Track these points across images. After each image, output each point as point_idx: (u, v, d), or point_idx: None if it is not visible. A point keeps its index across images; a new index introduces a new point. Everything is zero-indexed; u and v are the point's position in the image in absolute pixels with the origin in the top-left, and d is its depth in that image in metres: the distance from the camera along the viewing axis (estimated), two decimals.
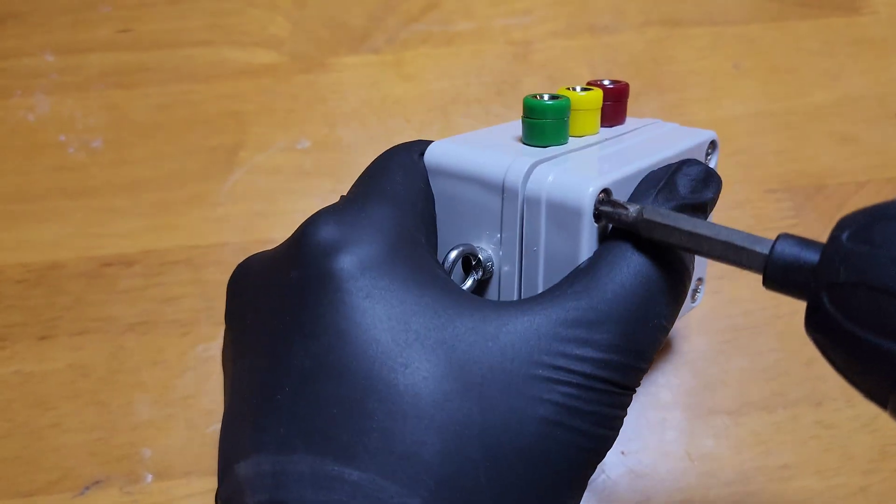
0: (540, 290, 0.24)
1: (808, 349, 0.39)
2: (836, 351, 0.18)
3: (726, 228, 0.21)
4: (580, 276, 0.22)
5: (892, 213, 0.18)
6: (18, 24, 0.46)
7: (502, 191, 0.24)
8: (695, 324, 0.39)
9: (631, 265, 0.22)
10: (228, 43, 0.46)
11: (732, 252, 0.20)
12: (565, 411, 0.20)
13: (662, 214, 0.21)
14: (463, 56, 0.45)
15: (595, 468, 0.22)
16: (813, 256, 0.19)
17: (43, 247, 0.41)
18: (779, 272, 0.19)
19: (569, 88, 0.27)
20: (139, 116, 0.44)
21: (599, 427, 0.21)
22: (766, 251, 0.20)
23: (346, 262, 0.21)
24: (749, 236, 0.20)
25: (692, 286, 0.31)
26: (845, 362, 0.18)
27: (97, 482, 0.36)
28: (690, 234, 0.21)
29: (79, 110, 0.44)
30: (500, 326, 0.21)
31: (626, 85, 0.29)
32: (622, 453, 0.36)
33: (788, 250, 0.19)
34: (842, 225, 0.18)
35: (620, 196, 0.24)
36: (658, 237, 0.21)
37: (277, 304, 0.22)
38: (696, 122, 0.44)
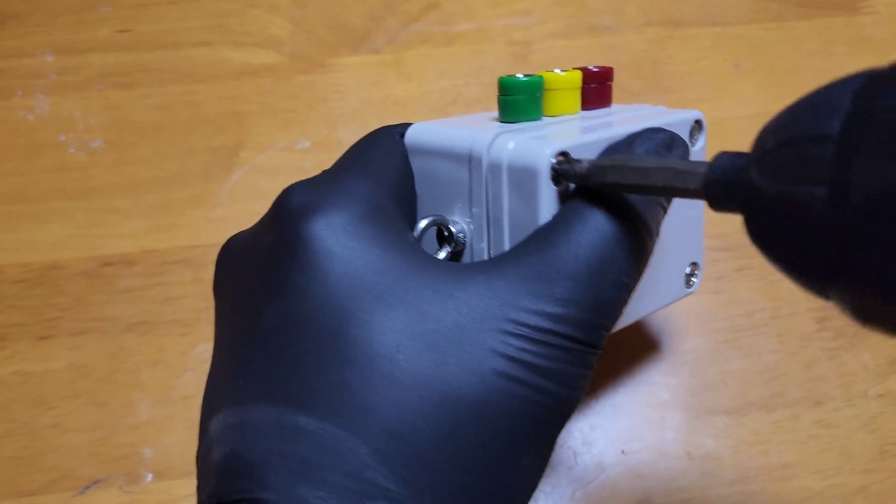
0: None
1: (808, 349, 0.39)
2: (772, 233, 0.18)
3: (670, 159, 0.21)
4: (539, 234, 0.22)
5: (813, 90, 0.18)
6: (18, 24, 0.46)
7: (469, 161, 0.24)
8: (694, 324, 0.39)
9: (588, 221, 0.22)
10: (229, 43, 0.46)
11: (676, 177, 0.20)
12: (520, 366, 0.20)
13: (610, 158, 0.22)
14: (463, 56, 0.45)
15: (557, 428, 0.22)
16: (743, 158, 0.19)
17: (43, 247, 0.41)
18: (717, 188, 0.19)
19: (552, 72, 0.27)
20: (139, 117, 0.44)
21: (557, 384, 0.21)
22: (703, 176, 0.20)
23: (315, 224, 0.22)
24: (692, 164, 0.20)
25: (686, 270, 0.31)
26: (782, 241, 0.18)
27: (97, 482, 0.36)
28: (635, 169, 0.21)
29: (79, 110, 0.44)
30: (458, 284, 0.21)
31: (610, 68, 0.29)
32: (622, 453, 0.36)
33: (722, 164, 0.19)
34: (769, 121, 0.18)
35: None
36: (608, 181, 0.21)
37: (252, 268, 0.23)
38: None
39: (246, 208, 0.42)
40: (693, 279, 0.32)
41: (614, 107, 0.30)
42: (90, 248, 0.41)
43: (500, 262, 0.22)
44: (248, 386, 0.21)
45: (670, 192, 0.21)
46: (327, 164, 0.36)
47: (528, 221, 0.24)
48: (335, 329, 0.21)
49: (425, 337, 0.20)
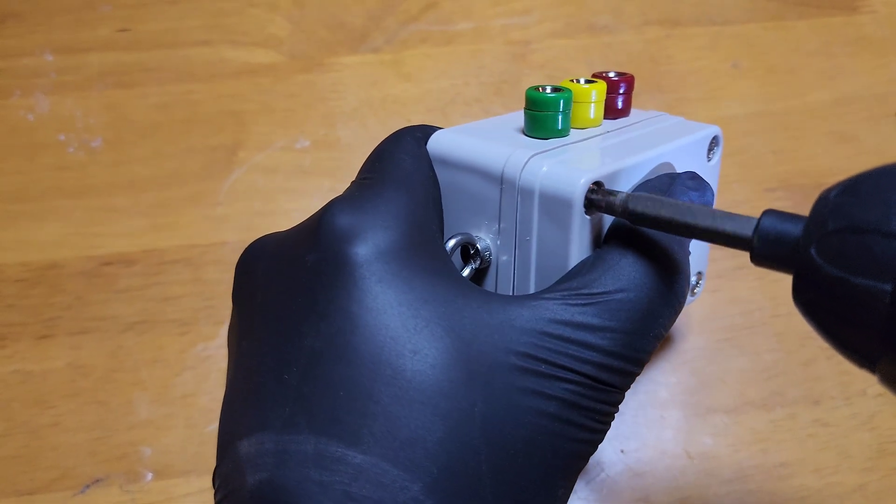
0: (532, 281, 0.25)
1: (807, 348, 0.39)
2: (823, 307, 0.18)
3: (707, 211, 0.21)
4: (585, 273, 0.22)
5: (877, 171, 0.18)
6: (18, 23, 0.46)
7: (501, 182, 0.24)
8: (694, 323, 0.39)
9: (636, 270, 0.22)
10: (228, 43, 0.46)
11: (719, 232, 0.20)
12: (563, 406, 0.21)
13: (649, 198, 0.22)
14: (462, 56, 0.45)
15: (587, 460, 0.22)
16: (798, 225, 0.19)
17: (42, 246, 0.41)
18: (766, 247, 0.19)
19: (572, 80, 0.27)
20: (139, 116, 0.44)
21: (593, 422, 0.22)
22: (751, 228, 0.20)
23: (362, 249, 0.21)
24: (734, 215, 0.20)
25: (692, 280, 0.31)
26: (833, 318, 0.18)
27: (97, 481, 0.36)
28: (677, 215, 0.21)
29: (78, 110, 0.44)
30: (507, 320, 0.21)
31: (632, 77, 0.29)
32: (621, 451, 0.36)
33: (774, 224, 0.19)
34: (827, 189, 0.19)
35: (616, 188, 0.24)
36: (646, 221, 0.22)
37: (291, 285, 0.22)
38: (695, 121, 0.44)
39: (245, 207, 0.42)
40: (697, 288, 0.32)
41: (633, 114, 0.30)
42: (89, 247, 0.41)
43: (550, 299, 0.22)
44: (288, 412, 0.20)
45: (711, 241, 0.21)
46: (326, 164, 0.36)
47: (557, 247, 0.24)
48: (384, 360, 0.20)
49: (475, 372, 0.20)
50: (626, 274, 0.22)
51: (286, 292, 0.22)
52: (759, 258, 0.20)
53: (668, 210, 0.21)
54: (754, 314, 0.39)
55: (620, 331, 0.22)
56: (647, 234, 0.23)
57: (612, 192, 0.23)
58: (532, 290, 0.25)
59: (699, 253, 0.31)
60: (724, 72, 0.46)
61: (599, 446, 0.36)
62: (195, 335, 0.39)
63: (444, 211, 0.26)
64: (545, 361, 0.21)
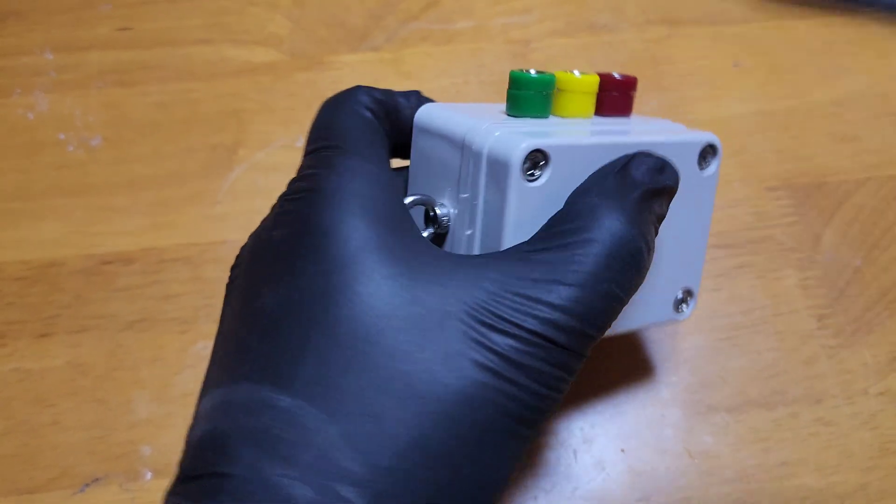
0: (476, 246, 0.25)
1: (808, 347, 0.39)
2: None
3: None
4: (541, 236, 0.23)
5: None
6: (18, 22, 0.46)
7: (461, 147, 0.25)
8: (694, 321, 0.39)
9: (589, 230, 0.22)
10: (228, 41, 0.46)
11: None
12: (501, 360, 0.20)
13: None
14: (462, 54, 0.45)
15: (532, 427, 0.22)
16: None
17: (42, 244, 0.41)
18: None
19: (569, 71, 0.27)
20: (138, 114, 0.44)
21: (536, 383, 0.21)
22: None
23: (315, 209, 0.22)
24: None
25: (678, 296, 0.31)
26: None
27: (96, 479, 0.36)
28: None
29: (78, 108, 0.44)
30: (453, 274, 0.21)
31: (633, 78, 0.29)
32: (622, 451, 0.36)
33: None
34: None
35: (575, 170, 0.24)
36: None
37: (257, 259, 0.23)
38: (696, 121, 0.44)
39: (245, 206, 0.42)
40: (684, 306, 0.31)
41: (633, 118, 0.30)
42: (89, 245, 0.40)
43: (499, 258, 0.22)
44: (235, 366, 0.21)
45: None
46: None
47: (496, 212, 0.24)
48: (324, 308, 0.21)
49: (411, 322, 0.20)
50: (579, 231, 0.22)
51: (254, 265, 0.23)
52: None
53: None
54: (755, 313, 0.39)
55: (569, 285, 0.21)
56: (604, 198, 0.23)
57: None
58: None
59: (689, 267, 0.31)
60: (726, 71, 0.45)
61: (599, 446, 0.36)
62: (195, 334, 0.38)
63: (417, 178, 0.27)
64: (486, 312, 0.21)
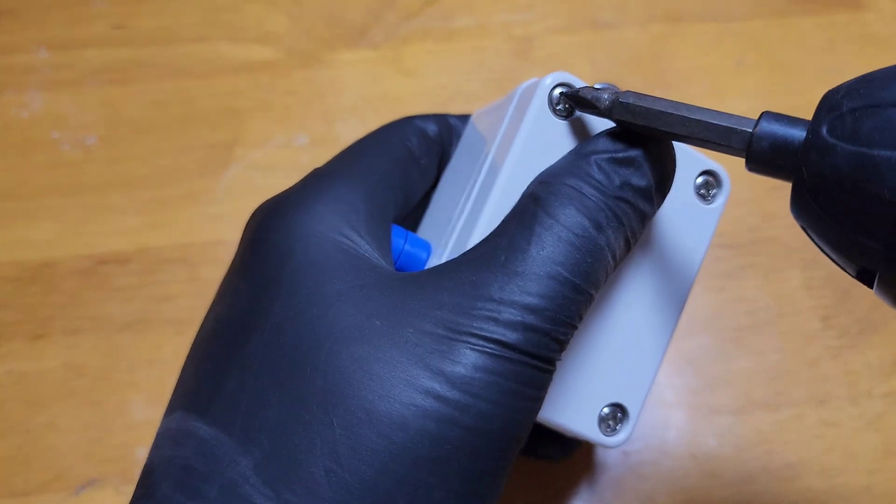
0: (480, 177, 0.23)
1: (812, 348, 0.38)
2: (830, 199, 0.17)
3: (707, 109, 0.20)
4: (505, 233, 0.20)
5: (891, 67, 0.17)
6: (12, 19, 0.46)
7: (513, 98, 0.24)
8: (698, 322, 0.39)
9: (543, 213, 0.20)
10: (225, 39, 0.45)
11: (714, 131, 0.19)
12: (446, 381, 0.18)
13: (640, 97, 0.20)
14: (463, 52, 0.45)
15: (498, 461, 0.18)
16: (800, 127, 0.18)
17: (37, 245, 0.40)
18: (762, 152, 0.18)
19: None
20: (134, 113, 0.43)
21: (492, 404, 0.18)
22: (750, 125, 0.19)
23: (271, 224, 0.22)
24: (731, 116, 0.19)
25: (603, 411, 0.24)
26: (840, 211, 0.17)
27: (92, 482, 0.35)
28: (672, 115, 0.20)
29: (73, 107, 0.44)
30: (404, 295, 0.19)
31: None
32: (624, 453, 0.36)
33: (773, 125, 0.18)
34: (832, 89, 0.18)
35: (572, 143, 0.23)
36: (637, 114, 0.20)
37: (237, 262, 0.23)
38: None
39: (242, 205, 0.41)
40: (613, 426, 0.24)
41: None
42: (84, 245, 0.40)
43: (451, 268, 0.20)
44: (174, 393, 0.21)
45: (706, 144, 0.19)
46: (325, 161, 0.36)
47: (504, 147, 0.22)
48: (243, 332, 0.20)
49: (357, 341, 0.18)
50: (545, 222, 0.19)
51: (234, 273, 0.23)
52: (756, 161, 0.18)
53: (661, 117, 0.20)
54: (759, 313, 0.39)
55: (519, 274, 0.19)
56: (559, 176, 0.21)
57: (595, 89, 0.21)
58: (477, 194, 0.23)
59: (628, 379, 0.24)
60: (729, 69, 0.45)
61: (603, 448, 0.35)
62: (191, 335, 0.37)
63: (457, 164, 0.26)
64: (436, 328, 0.18)
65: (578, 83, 0.22)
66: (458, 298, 0.18)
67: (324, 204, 0.22)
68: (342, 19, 0.46)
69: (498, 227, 0.20)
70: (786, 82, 0.45)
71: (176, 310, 0.39)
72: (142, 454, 0.36)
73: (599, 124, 0.22)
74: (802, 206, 0.18)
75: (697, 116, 0.19)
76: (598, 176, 0.20)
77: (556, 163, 0.21)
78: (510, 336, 0.18)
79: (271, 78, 0.44)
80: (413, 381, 0.18)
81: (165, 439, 0.20)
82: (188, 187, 0.42)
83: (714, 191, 0.24)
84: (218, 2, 0.46)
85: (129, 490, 0.36)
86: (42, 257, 0.40)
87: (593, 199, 0.20)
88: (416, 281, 0.19)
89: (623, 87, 0.44)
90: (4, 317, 0.39)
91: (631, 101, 0.20)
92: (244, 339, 0.19)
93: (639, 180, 0.20)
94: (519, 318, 0.18)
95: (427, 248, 0.23)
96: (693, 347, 0.38)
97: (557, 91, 0.22)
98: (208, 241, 0.40)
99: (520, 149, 0.21)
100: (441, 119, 0.27)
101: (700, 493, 0.35)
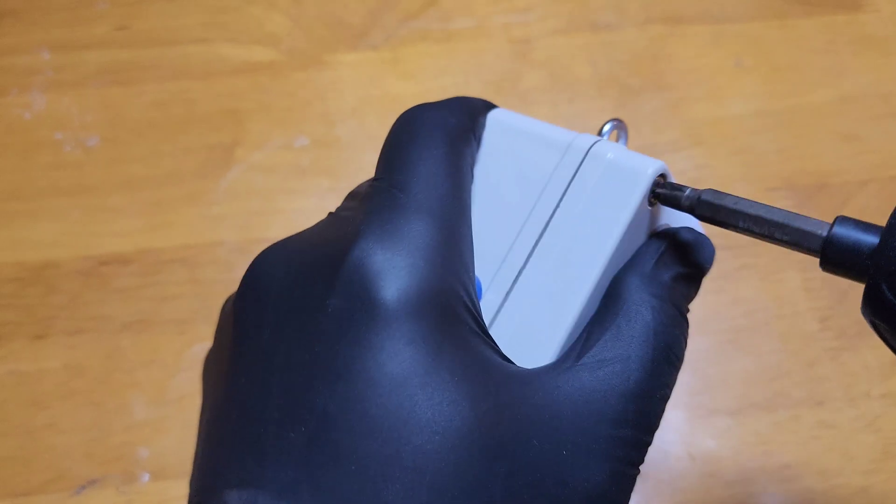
0: (553, 257, 0.23)
1: (810, 349, 0.38)
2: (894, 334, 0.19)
3: (782, 210, 0.21)
4: (594, 327, 0.21)
5: None
6: (15, 21, 0.46)
7: (566, 150, 0.23)
8: (696, 323, 0.39)
9: (650, 332, 0.21)
10: (226, 40, 0.45)
11: (790, 233, 0.20)
12: (589, 496, 0.19)
13: (719, 195, 0.22)
14: (462, 53, 0.45)
15: None
16: (872, 240, 0.19)
17: (38, 245, 0.40)
18: (836, 254, 0.19)
19: None
20: (136, 114, 0.43)
21: None
22: (823, 233, 0.20)
23: (394, 303, 0.19)
24: (806, 218, 0.20)
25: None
26: None
27: (93, 482, 0.35)
28: (750, 216, 0.21)
29: (75, 108, 0.44)
30: (533, 399, 0.19)
31: None
32: None
33: (846, 233, 0.19)
34: None
35: None
36: (716, 211, 0.21)
37: (308, 331, 0.20)
38: (697, 120, 0.44)
39: (243, 207, 0.41)
40: None
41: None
42: (86, 246, 0.40)
43: (580, 369, 0.20)
44: (291, 476, 0.18)
45: (780, 243, 0.21)
46: (325, 162, 0.36)
47: (601, 228, 0.22)
48: (404, 438, 0.18)
49: (495, 457, 0.19)
50: (640, 334, 0.21)
51: (302, 338, 0.20)
52: (829, 266, 0.20)
53: (740, 217, 0.21)
54: (757, 315, 0.39)
55: (630, 398, 0.20)
56: (643, 288, 0.22)
57: (678, 187, 0.22)
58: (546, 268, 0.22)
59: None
60: (728, 70, 0.45)
61: None
62: (192, 335, 0.38)
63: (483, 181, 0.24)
64: (578, 447, 0.19)
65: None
66: (581, 413, 0.20)
67: (435, 268, 0.20)
68: (342, 21, 0.46)
69: (591, 325, 0.22)
70: (784, 83, 0.45)
71: (176, 310, 0.39)
72: (143, 454, 0.36)
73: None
74: (876, 307, 0.19)
75: (774, 218, 0.21)
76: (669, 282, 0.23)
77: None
78: (621, 453, 0.20)
79: (271, 79, 0.44)
80: (549, 490, 0.19)
81: None
82: (189, 188, 0.42)
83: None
84: (219, 4, 0.46)
85: (130, 490, 0.36)
86: (43, 258, 0.40)
87: (670, 301, 0.22)
88: (538, 380, 0.20)
89: (623, 87, 0.44)
90: (5, 317, 0.39)
91: (711, 199, 0.22)
92: (388, 444, 0.18)
93: (693, 291, 0.25)
94: (629, 437, 0.20)
95: (479, 285, 0.23)
96: (691, 349, 0.38)
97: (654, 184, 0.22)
98: (209, 243, 0.40)
99: (615, 243, 0.22)
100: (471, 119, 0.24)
101: (698, 494, 0.35)
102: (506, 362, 0.21)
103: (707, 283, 0.41)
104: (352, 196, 0.23)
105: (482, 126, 0.24)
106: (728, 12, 0.47)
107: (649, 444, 0.20)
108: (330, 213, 0.23)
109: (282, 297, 0.21)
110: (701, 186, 0.26)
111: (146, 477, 0.36)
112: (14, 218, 0.41)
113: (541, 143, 0.24)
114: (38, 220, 0.41)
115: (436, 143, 0.22)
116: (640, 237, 0.23)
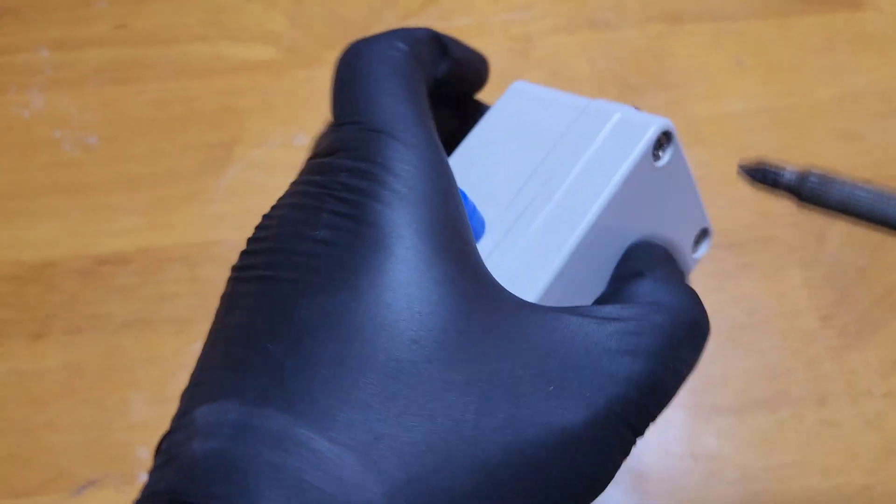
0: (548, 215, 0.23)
1: (812, 348, 0.38)
2: None
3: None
4: (614, 285, 0.21)
5: None
6: (14, 19, 0.46)
7: (581, 111, 0.24)
8: None
9: (664, 296, 0.21)
10: (225, 38, 0.45)
11: None
12: (564, 436, 0.19)
13: (825, 178, 0.20)
14: None
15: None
16: None
17: (38, 244, 0.40)
18: None
19: None
20: (135, 112, 0.43)
21: (600, 464, 0.19)
22: None
23: (382, 219, 0.19)
24: None
25: (696, 234, 0.27)
26: None
27: (92, 482, 0.35)
28: (872, 195, 0.19)
29: (74, 106, 0.44)
30: (526, 331, 0.19)
31: None
32: None
33: None
34: None
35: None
36: (829, 203, 0.20)
37: (298, 251, 0.20)
38: (697, 118, 0.44)
39: (242, 205, 0.41)
40: (700, 245, 0.28)
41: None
42: (85, 245, 0.40)
43: (572, 315, 0.20)
44: (263, 384, 0.18)
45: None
46: None
47: (598, 175, 0.22)
48: (379, 345, 0.19)
49: (476, 380, 0.19)
50: (647, 298, 0.21)
51: (283, 259, 0.20)
52: None
53: (860, 198, 0.20)
54: (759, 313, 0.39)
55: (646, 360, 0.20)
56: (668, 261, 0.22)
57: (777, 165, 0.21)
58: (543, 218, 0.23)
59: (695, 210, 0.28)
60: (728, 68, 0.45)
61: None
62: (191, 334, 0.38)
63: (488, 138, 0.26)
64: (563, 384, 0.19)
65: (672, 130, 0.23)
66: (573, 351, 0.20)
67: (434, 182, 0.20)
68: (342, 18, 0.46)
69: (612, 282, 0.22)
70: (784, 81, 0.45)
71: (176, 309, 0.39)
72: (143, 453, 0.36)
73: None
74: None
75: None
76: None
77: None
78: (622, 409, 0.20)
79: (271, 77, 0.44)
80: (527, 424, 0.19)
81: (256, 437, 0.18)
82: (188, 187, 0.42)
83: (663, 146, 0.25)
84: (218, 2, 0.46)
85: (130, 490, 0.36)
86: (42, 257, 0.40)
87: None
88: (538, 318, 0.20)
89: (623, 85, 0.44)
90: (4, 316, 0.39)
91: (818, 182, 0.20)
92: (373, 358, 0.19)
93: None
94: (634, 396, 0.20)
95: (483, 225, 0.24)
96: None
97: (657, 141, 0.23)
98: (208, 241, 0.40)
99: (613, 189, 0.22)
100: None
101: (700, 493, 0.35)
102: (502, 288, 0.20)
103: (707, 281, 0.41)
104: (321, 146, 0.22)
105: (427, 53, 0.24)
106: (728, 11, 0.47)
107: (653, 416, 0.20)
108: (309, 160, 0.22)
109: (285, 240, 0.21)
110: (701, 186, 0.26)
111: (145, 477, 0.35)
112: (13, 217, 0.41)
113: (557, 104, 0.24)
114: (38, 218, 0.41)
115: (394, 76, 0.22)
116: (654, 202, 0.23)
